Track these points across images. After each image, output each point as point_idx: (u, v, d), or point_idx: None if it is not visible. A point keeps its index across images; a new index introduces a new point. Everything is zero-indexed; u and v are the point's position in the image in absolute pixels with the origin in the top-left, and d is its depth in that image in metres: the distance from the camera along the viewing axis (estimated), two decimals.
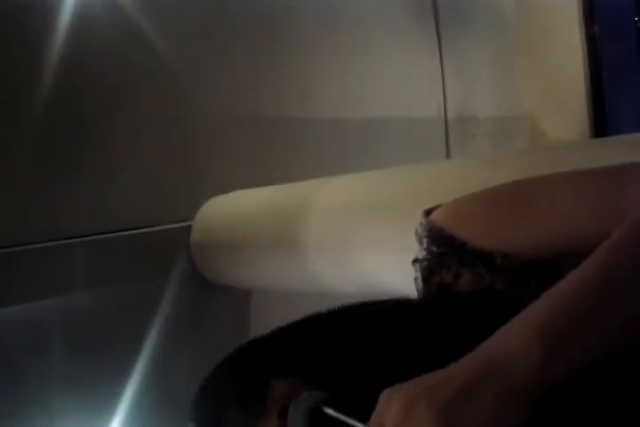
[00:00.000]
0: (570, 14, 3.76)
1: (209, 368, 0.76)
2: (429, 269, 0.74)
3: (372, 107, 2.95)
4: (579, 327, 0.53)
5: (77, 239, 1.91)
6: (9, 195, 1.84)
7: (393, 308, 0.73)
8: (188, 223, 2.11)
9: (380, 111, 2.97)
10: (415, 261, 0.76)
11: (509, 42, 3.81)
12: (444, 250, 0.72)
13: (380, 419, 0.55)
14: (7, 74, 1.85)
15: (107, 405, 1.90)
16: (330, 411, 0.62)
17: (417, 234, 0.76)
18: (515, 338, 0.54)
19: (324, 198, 1.76)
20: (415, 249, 0.78)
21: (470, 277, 0.70)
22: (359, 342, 0.68)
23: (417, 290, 0.77)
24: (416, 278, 0.76)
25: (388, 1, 3.13)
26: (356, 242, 1.61)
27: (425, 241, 0.74)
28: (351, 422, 0.60)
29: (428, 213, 0.75)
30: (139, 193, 2.14)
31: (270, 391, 0.67)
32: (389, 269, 1.54)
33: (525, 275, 0.67)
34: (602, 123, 3.78)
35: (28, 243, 1.82)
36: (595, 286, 0.55)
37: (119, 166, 2.10)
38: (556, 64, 3.81)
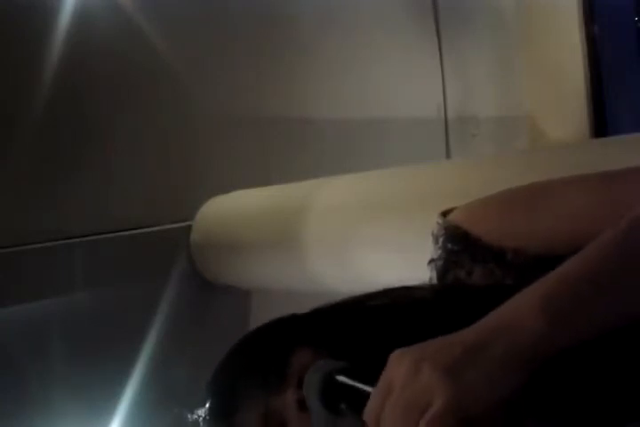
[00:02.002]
0: (570, 14, 3.76)
1: (208, 367, 0.77)
2: (444, 267, 0.77)
3: (372, 107, 2.95)
4: (582, 302, 0.57)
5: (77, 239, 1.91)
6: (9, 195, 1.84)
7: (413, 293, 0.76)
8: (187, 223, 2.11)
9: (380, 111, 2.97)
10: (431, 261, 0.79)
11: (509, 42, 3.81)
12: (458, 247, 0.74)
13: (389, 378, 0.57)
14: (7, 74, 1.85)
15: (107, 405, 1.90)
16: (342, 378, 0.63)
17: (433, 234, 0.78)
18: (522, 306, 0.57)
19: (324, 198, 1.76)
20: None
21: (481, 273, 0.73)
22: (382, 323, 0.71)
23: (430, 284, 0.79)
24: (431, 279, 0.79)
25: (388, 1, 3.13)
26: (355, 242, 1.61)
27: (441, 240, 0.77)
28: (361, 386, 0.61)
29: (444, 214, 0.78)
30: (139, 193, 2.14)
31: (291, 363, 0.69)
32: (389, 268, 1.55)
33: (534, 270, 0.68)
34: (602, 123, 3.78)
35: (28, 243, 1.82)
36: (599, 266, 0.59)
37: (119, 166, 2.10)
38: (556, 64, 3.81)
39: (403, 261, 1.42)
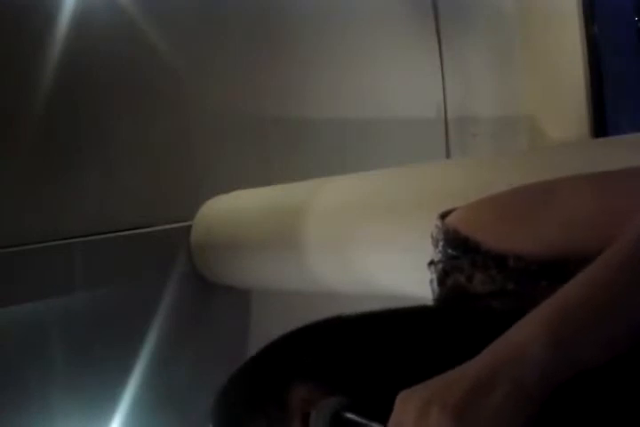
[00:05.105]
0: (570, 14, 3.76)
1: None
2: (444, 271, 0.75)
3: (372, 106, 2.95)
4: (585, 328, 0.56)
5: (77, 239, 1.91)
6: (9, 195, 1.84)
7: (410, 314, 0.75)
8: (188, 223, 2.11)
9: (379, 111, 2.97)
10: (431, 263, 0.78)
11: (509, 42, 3.81)
12: (458, 252, 0.73)
13: (398, 421, 0.57)
14: (7, 74, 1.85)
15: (107, 405, 1.90)
16: (351, 416, 0.63)
17: (432, 237, 0.77)
18: (523, 337, 0.56)
19: (324, 198, 1.76)
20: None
21: (482, 278, 0.72)
22: (378, 348, 0.70)
23: (432, 292, 0.78)
24: (431, 281, 0.78)
25: (387, 1, 3.13)
26: (355, 242, 1.61)
27: (441, 244, 0.75)
28: (373, 425, 0.61)
29: (443, 216, 0.77)
30: (139, 193, 2.14)
31: (290, 397, 0.68)
32: (389, 269, 1.55)
33: (536, 276, 0.68)
34: (602, 123, 3.78)
35: (27, 243, 1.82)
36: (602, 290, 0.57)
37: (119, 166, 2.10)
38: (556, 64, 3.81)
39: (403, 261, 1.42)
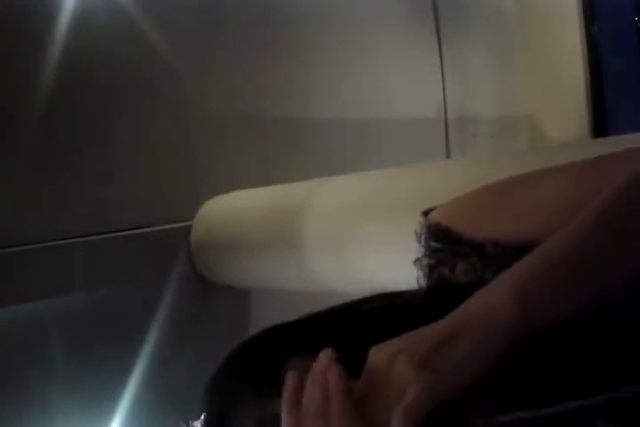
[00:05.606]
0: (570, 14, 3.76)
1: (210, 368, 0.76)
2: (429, 266, 0.77)
3: (372, 106, 2.95)
4: (556, 283, 0.59)
5: (77, 239, 1.91)
6: (9, 195, 1.84)
7: (399, 295, 0.77)
8: (188, 223, 2.11)
9: (379, 111, 2.97)
10: (416, 260, 0.79)
11: (509, 42, 3.81)
12: (440, 244, 0.75)
13: (369, 372, 0.59)
14: (7, 74, 1.85)
15: (107, 405, 1.90)
16: None
17: (416, 233, 0.79)
18: (491, 295, 0.59)
19: (324, 198, 1.76)
20: (415, 248, 0.79)
21: (464, 267, 0.73)
22: (370, 323, 0.72)
23: (419, 289, 0.79)
24: (418, 278, 0.79)
25: (387, 1, 3.13)
26: (355, 242, 1.61)
27: (423, 238, 0.77)
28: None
29: (426, 213, 0.79)
30: (138, 193, 2.14)
31: (284, 372, 0.68)
32: (389, 268, 1.54)
33: (513, 262, 0.68)
34: (602, 123, 3.78)
35: (28, 243, 1.82)
36: (566, 254, 0.61)
37: (119, 166, 2.10)
38: (556, 64, 3.81)
39: (403, 261, 1.42)
